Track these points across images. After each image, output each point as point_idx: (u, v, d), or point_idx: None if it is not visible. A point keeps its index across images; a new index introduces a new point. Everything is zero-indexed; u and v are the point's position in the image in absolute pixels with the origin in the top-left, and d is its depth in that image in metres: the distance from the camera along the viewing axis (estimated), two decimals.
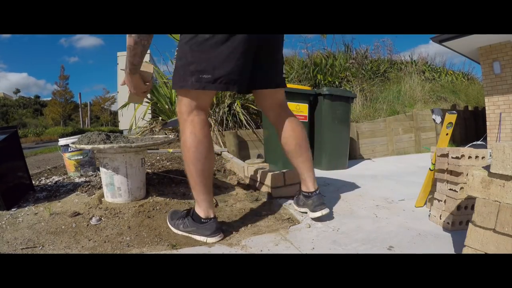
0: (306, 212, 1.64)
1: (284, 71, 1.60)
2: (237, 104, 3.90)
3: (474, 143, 5.16)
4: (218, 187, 2.19)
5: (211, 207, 1.41)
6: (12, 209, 1.70)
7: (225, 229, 1.53)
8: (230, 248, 1.32)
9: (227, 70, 1.27)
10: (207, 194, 1.39)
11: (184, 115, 1.32)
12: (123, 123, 7.93)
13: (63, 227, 1.51)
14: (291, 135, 1.59)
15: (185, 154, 1.34)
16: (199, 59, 1.26)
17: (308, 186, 1.62)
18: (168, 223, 1.52)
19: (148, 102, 4.11)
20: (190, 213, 1.44)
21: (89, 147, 1.67)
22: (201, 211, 1.40)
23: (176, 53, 1.37)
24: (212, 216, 1.40)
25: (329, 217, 1.63)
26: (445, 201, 1.51)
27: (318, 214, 1.56)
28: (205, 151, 1.32)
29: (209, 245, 1.36)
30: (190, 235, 1.41)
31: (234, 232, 1.50)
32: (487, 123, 4.96)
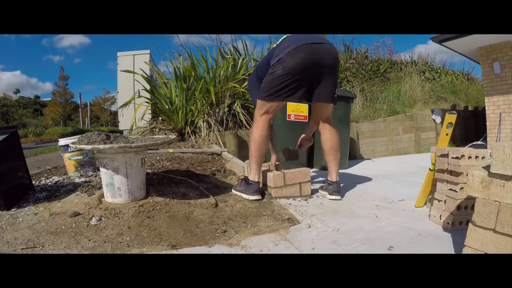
0: (325, 196, 2.09)
1: (336, 92, 2.06)
2: (237, 104, 3.90)
3: (474, 143, 5.15)
4: (218, 187, 2.19)
5: (257, 175, 2.01)
6: (12, 209, 1.70)
7: (225, 229, 1.53)
8: (230, 248, 1.32)
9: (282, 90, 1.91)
10: (257, 164, 2.00)
11: (257, 114, 2.01)
12: (123, 123, 7.93)
13: (63, 227, 1.51)
14: (328, 140, 2.14)
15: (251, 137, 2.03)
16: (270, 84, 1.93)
17: (332, 176, 2.11)
18: (232, 189, 2.09)
19: (148, 102, 4.10)
20: (245, 179, 2.05)
21: (89, 147, 1.67)
22: (250, 175, 2.01)
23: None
24: (256, 180, 1.99)
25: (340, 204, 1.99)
26: (445, 201, 1.51)
27: (332, 197, 2.04)
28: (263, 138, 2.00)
29: (210, 245, 1.36)
30: (240, 193, 2.00)
31: (234, 232, 1.50)
32: (487, 123, 4.95)
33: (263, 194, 2.02)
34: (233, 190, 2.07)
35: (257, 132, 1.97)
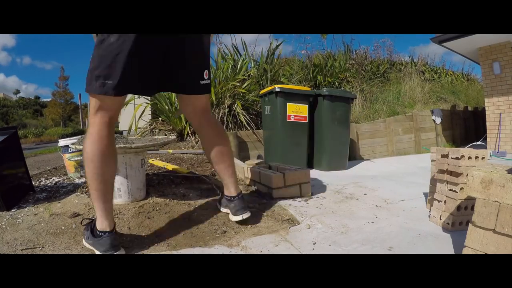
0: (228, 213, 1.65)
1: (206, 77, 1.47)
2: (238, 104, 3.90)
3: (474, 143, 5.17)
4: (218, 188, 2.19)
5: (107, 218, 1.27)
6: (12, 210, 1.70)
7: (225, 230, 1.53)
8: (230, 249, 1.32)
9: (120, 73, 1.21)
10: (102, 202, 1.27)
11: (91, 115, 1.28)
12: (123, 124, 7.93)
13: (63, 228, 1.51)
14: (214, 142, 1.58)
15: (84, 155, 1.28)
16: (100, 63, 1.22)
17: (231, 190, 1.61)
18: (84, 241, 1.36)
19: (148, 103, 4.11)
20: (92, 224, 1.34)
21: None
22: (97, 222, 1.29)
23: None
24: (107, 229, 1.26)
25: (249, 220, 1.60)
26: (445, 202, 1.51)
27: (239, 218, 1.56)
28: (99, 153, 1.24)
29: (210, 245, 1.35)
30: (93, 248, 1.29)
31: (234, 233, 1.50)
32: (487, 124, 4.95)
33: (121, 247, 1.31)
34: (84, 242, 1.35)
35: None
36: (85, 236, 1.34)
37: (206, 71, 1.46)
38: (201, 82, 1.45)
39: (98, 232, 1.27)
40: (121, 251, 1.26)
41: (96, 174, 1.25)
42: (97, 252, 1.26)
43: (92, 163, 1.24)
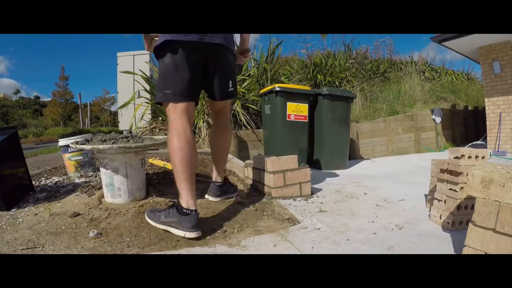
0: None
1: (231, 86, 1.71)
2: (237, 104, 3.90)
3: (474, 143, 5.17)
4: None
5: (193, 199, 1.45)
6: (12, 210, 1.70)
7: (225, 229, 1.53)
8: (230, 248, 1.32)
9: (179, 83, 1.49)
10: (188, 183, 1.45)
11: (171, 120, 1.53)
12: (123, 124, 7.94)
13: (63, 227, 1.51)
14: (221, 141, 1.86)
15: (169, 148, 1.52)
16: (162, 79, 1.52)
17: (217, 178, 1.90)
18: (146, 216, 1.55)
19: (148, 103, 4.11)
20: (175, 204, 1.48)
21: (89, 147, 1.67)
22: (183, 201, 1.44)
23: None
24: (193, 208, 1.44)
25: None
26: (445, 201, 1.51)
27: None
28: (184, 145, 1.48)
29: (210, 245, 1.35)
30: (168, 227, 1.45)
31: (234, 232, 1.50)
32: (487, 123, 4.94)
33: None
34: (152, 222, 1.51)
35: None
36: (160, 215, 1.48)
37: (230, 81, 1.70)
38: (229, 89, 1.70)
39: (184, 210, 1.41)
40: (199, 233, 1.40)
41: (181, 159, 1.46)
42: (177, 231, 1.41)
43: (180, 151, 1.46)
